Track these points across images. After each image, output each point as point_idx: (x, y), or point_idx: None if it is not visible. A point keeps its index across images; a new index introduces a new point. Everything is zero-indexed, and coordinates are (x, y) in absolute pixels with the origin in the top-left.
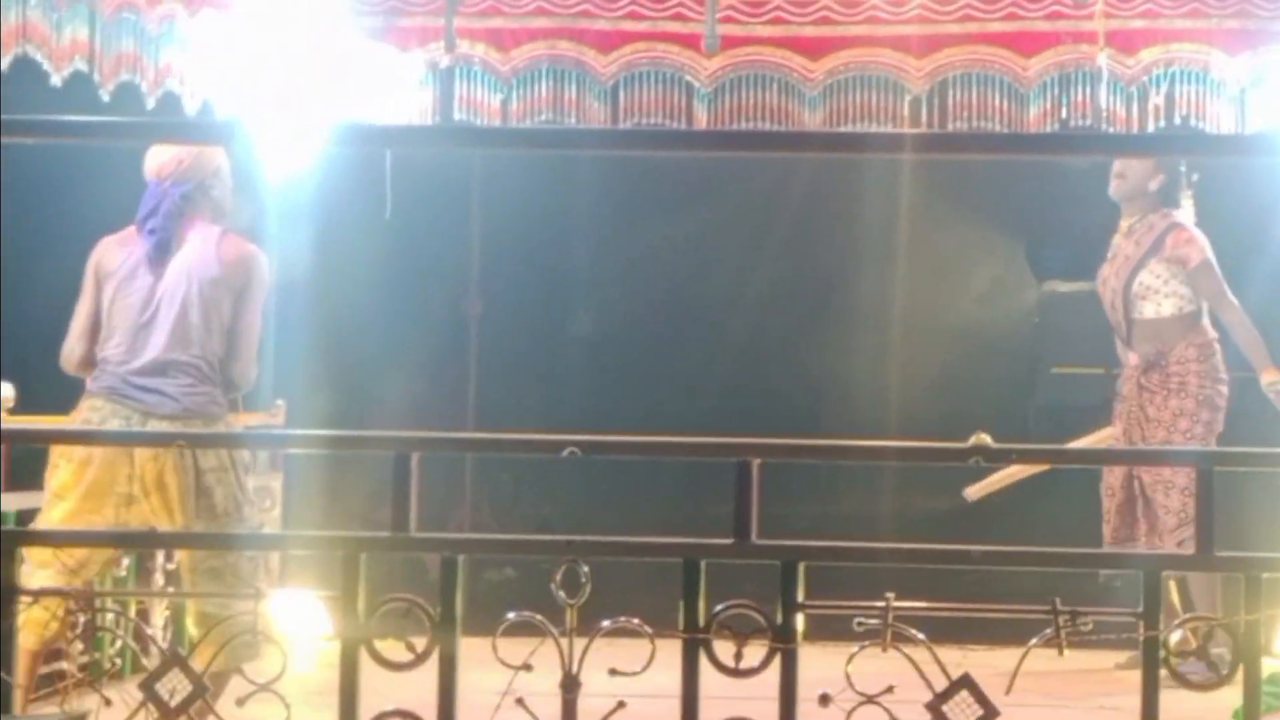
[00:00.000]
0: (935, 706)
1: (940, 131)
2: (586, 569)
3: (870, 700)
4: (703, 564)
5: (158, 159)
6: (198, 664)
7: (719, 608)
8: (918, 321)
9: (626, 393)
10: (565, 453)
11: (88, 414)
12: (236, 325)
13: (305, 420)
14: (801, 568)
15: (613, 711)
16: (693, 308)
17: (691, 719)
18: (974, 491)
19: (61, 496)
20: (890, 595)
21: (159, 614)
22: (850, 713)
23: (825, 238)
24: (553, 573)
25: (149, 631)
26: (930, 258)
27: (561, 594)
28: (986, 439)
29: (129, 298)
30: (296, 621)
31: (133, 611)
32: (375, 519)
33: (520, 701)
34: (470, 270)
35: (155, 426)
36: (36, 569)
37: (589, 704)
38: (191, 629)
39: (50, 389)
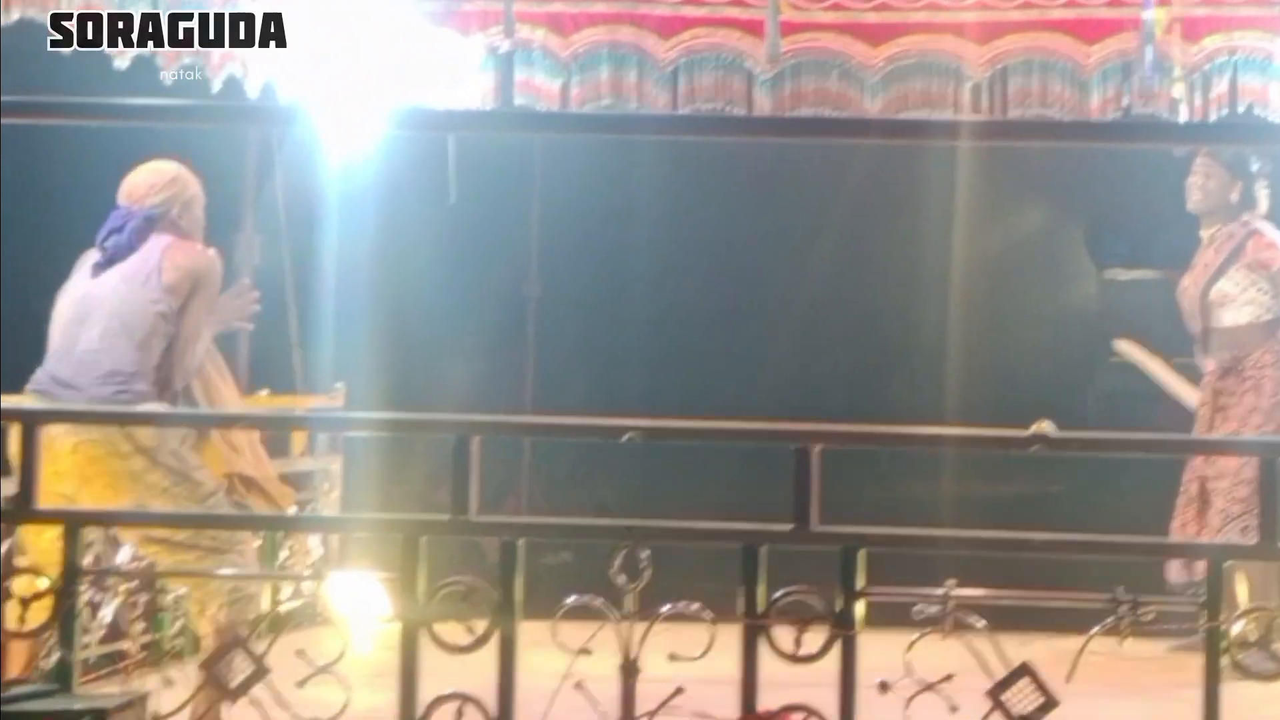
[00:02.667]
0: (995, 694)
1: (1001, 119)
2: (646, 554)
3: (930, 688)
4: (763, 550)
5: (130, 183)
6: (204, 627)
7: (779, 593)
8: (977, 308)
9: (686, 377)
10: (625, 438)
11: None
12: (179, 329)
13: (365, 403)
14: (862, 554)
15: (671, 696)
16: (752, 293)
17: (750, 704)
18: (1125, 349)
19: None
20: (951, 582)
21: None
22: (910, 700)
23: (885, 224)
24: (611, 557)
25: (210, 612)
26: (990, 245)
27: (621, 578)
28: (1049, 426)
29: (67, 299)
30: (356, 604)
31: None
32: (434, 501)
33: (579, 685)
34: (530, 254)
35: (61, 426)
36: None
37: (648, 688)
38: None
39: None
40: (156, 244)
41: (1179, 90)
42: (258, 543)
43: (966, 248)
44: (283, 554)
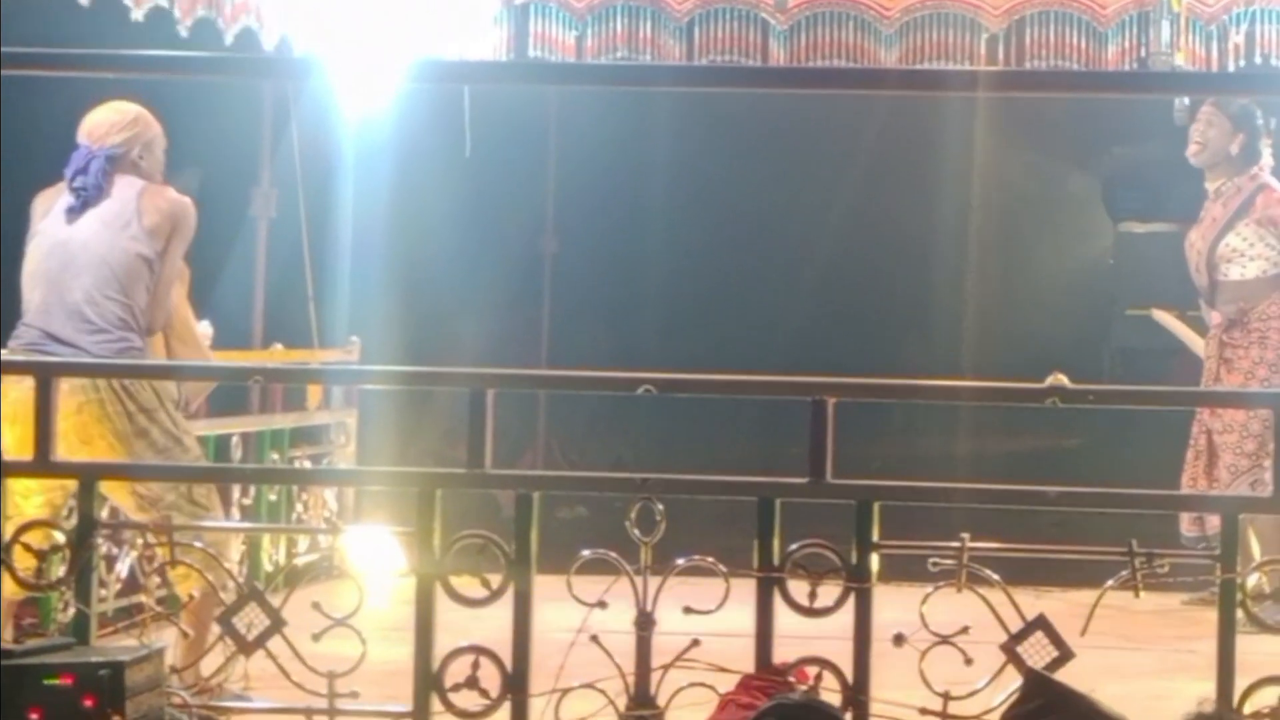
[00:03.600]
0: (1010, 647)
1: (1017, 69)
2: (661, 507)
3: (945, 640)
4: (777, 503)
5: (91, 122)
6: (183, 588)
7: (794, 546)
8: (992, 262)
9: (701, 331)
10: (640, 390)
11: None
12: (159, 273)
13: (380, 357)
14: (876, 507)
15: (687, 649)
16: (768, 246)
17: (765, 657)
18: (1162, 317)
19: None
20: (965, 536)
21: (235, 548)
22: (924, 653)
23: (901, 177)
24: (626, 510)
25: (226, 566)
26: (1005, 197)
27: (636, 532)
28: (1064, 379)
29: (44, 246)
30: (372, 557)
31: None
32: (450, 456)
33: (595, 638)
34: (545, 208)
35: (70, 382)
36: None
37: (663, 641)
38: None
39: None
40: (130, 187)
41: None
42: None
43: (982, 201)
44: (298, 507)
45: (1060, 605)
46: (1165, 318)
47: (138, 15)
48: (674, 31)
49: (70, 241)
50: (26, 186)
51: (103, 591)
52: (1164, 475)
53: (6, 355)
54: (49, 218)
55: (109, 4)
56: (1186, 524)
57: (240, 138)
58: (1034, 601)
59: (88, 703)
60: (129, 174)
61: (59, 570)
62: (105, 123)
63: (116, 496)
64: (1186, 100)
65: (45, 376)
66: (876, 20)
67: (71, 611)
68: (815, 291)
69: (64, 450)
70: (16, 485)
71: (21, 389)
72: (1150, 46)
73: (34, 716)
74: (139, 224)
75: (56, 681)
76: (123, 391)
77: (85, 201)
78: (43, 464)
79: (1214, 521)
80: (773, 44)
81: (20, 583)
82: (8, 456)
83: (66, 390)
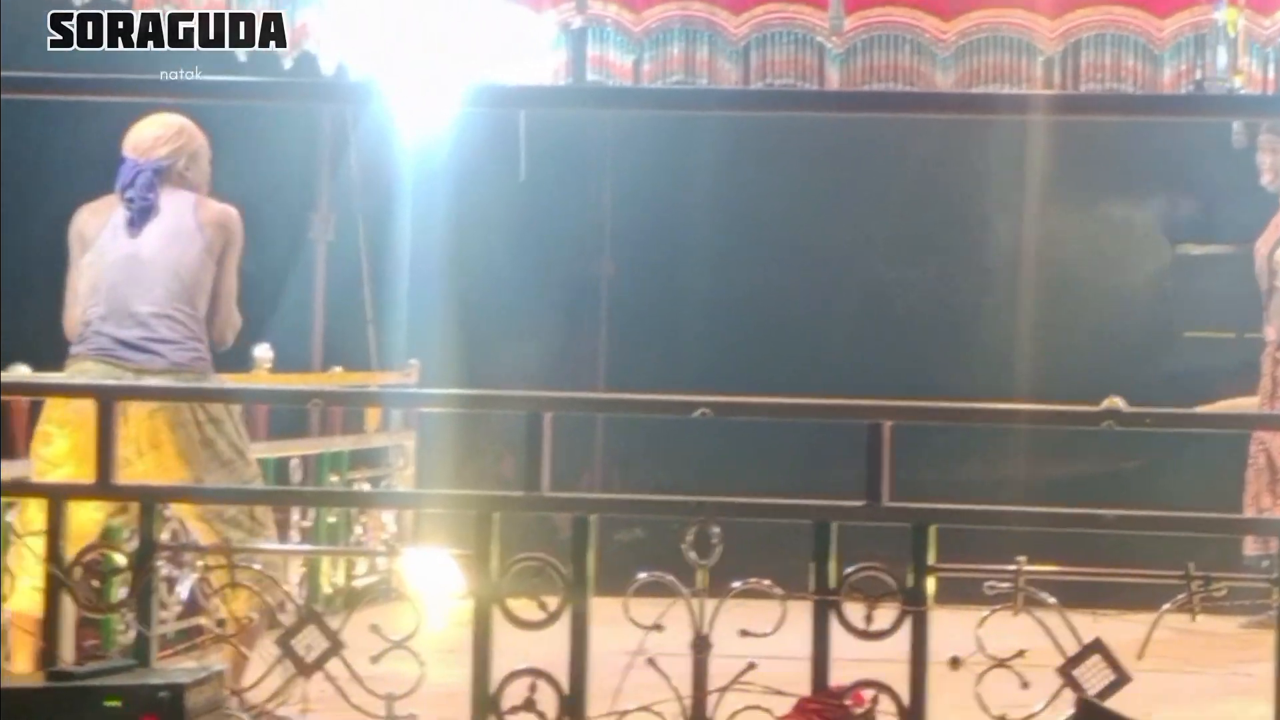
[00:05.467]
0: (1067, 671)
1: (1073, 93)
2: (717, 530)
3: (1001, 664)
4: (834, 526)
5: (137, 136)
6: (234, 608)
7: (850, 570)
8: (1048, 285)
9: (757, 354)
10: (697, 413)
11: (77, 378)
12: (218, 286)
13: (439, 379)
14: (933, 530)
15: (743, 673)
16: (823, 269)
17: (822, 681)
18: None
19: (56, 465)
20: (1022, 559)
21: (295, 570)
22: (981, 676)
23: (956, 199)
24: (683, 533)
25: (285, 588)
26: (1060, 220)
27: (692, 555)
28: (1120, 403)
29: (109, 258)
30: (430, 579)
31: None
32: (507, 478)
33: (651, 661)
34: (602, 231)
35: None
36: (27, 537)
37: (719, 665)
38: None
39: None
40: (184, 201)
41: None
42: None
43: (1037, 223)
44: (357, 530)
45: (1117, 628)
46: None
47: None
48: (730, 55)
49: (137, 255)
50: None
51: (163, 613)
52: (1222, 496)
53: (73, 366)
54: (106, 231)
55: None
56: (1250, 544)
57: (299, 162)
58: (1091, 625)
59: None
60: (177, 186)
61: (120, 592)
62: (150, 136)
63: (177, 504)
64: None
65: (107, 400)
66: (932, 44)
67: (132, 633)
68: (869, 313)
69: (131, 453)
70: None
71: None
72: (1206, 69)
73: None
74: (200, 237)
75: (117, 703)
76: (195, 401)
77: (142, 214)
78: (104, 487)
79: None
80: (829, 67)
81: (82, 605)
82: (68, 469)
83: None
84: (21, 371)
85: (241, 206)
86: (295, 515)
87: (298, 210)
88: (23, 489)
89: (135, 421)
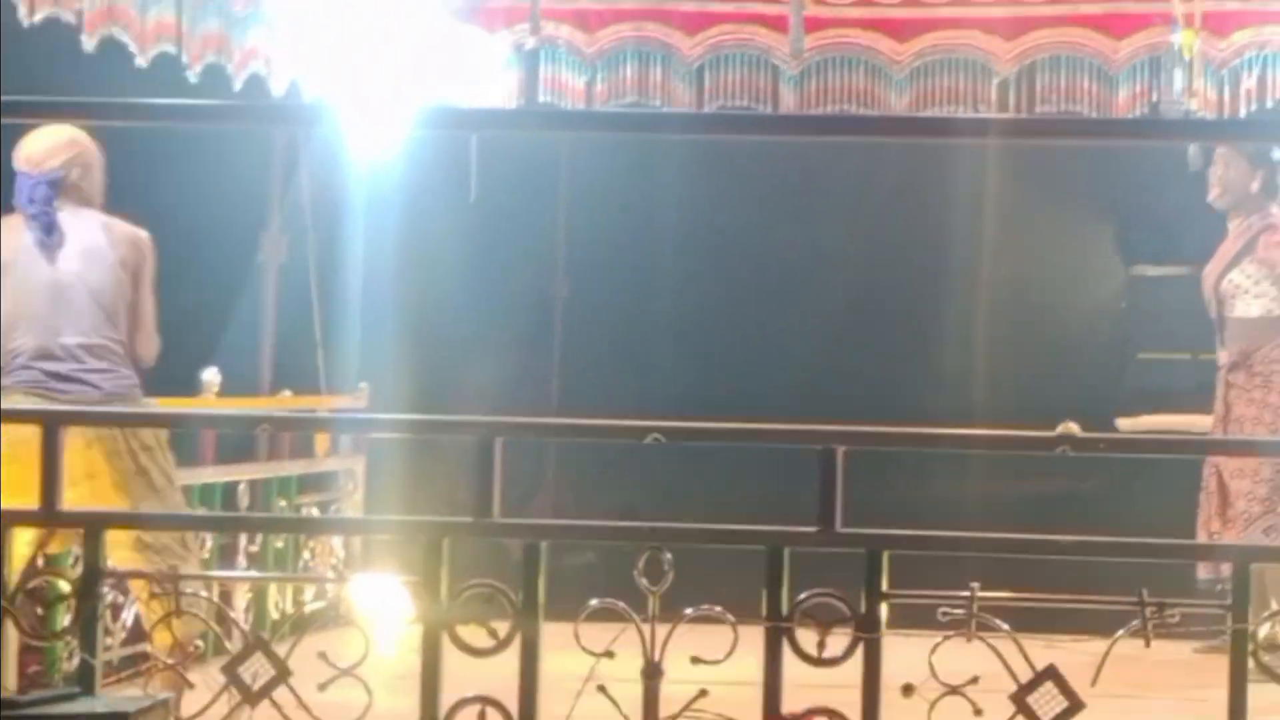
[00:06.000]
0: (1020, 698)
1: (1029, 117)
2: (669, 556)
3: (954, 691)
4: (786, 552)
5: (28, 148)
6: (158, 639)
7: (802, 596)
8: (1004, 305)
9: (712, 376)
10: (649, 439)
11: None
12: (137, 306)
13: (389, 402)
14: (886, 556)
15: (695, 699)
16: (778, 291)
17: (774, 707)
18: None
19: None
20: (975, 585)
21: (241, 596)
22: (934, 703)
23: (911, 221)
24: (635, 558)
25: (231, 614)
26: (1016, 241)
27: (644, 581)
28: (1075, 428)
29: (29, 286)
30: (379, 605)
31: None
32: (457, 502)
33: (602, 688)
34: (556, 253)
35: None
36: None
37: (671, 691)
38: (141, 598)
39: None
40: (91, 220)
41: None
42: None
43: (992, 244)
44: (305, 555)
45: (1072, 655)
46: (1134, 424)
47: (143, 62)
48: (684, 76)
49: (57, 282)
50: None
51: (108, 640)
52: (1179, 519)
53: (3, 399)
54: (21, 254)
55: (114, 50)
56: (1202, 568)
57: (250, 183)
58: (1045, 651)
59: None
60: (73, 199)
61: (64, 619)
62: (43, 149)
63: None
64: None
65: (52, 425)
66: (888, 65)
67: (77, 660)
68: (826, 335)
69: (65, 483)
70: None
71: (18, 430)
72: (1162, 92)
73: None
74: (113, 257)
75: None
76: (124, 430)
77: (48, 230)
78: (49, 514)
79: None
80: (783, 89)
81: (25, 632)
82: (8, 498)
83: (73, 430)
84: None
85: (191, 228)
86: (243, 540)
87: (248, 231)
88: None
89: (71, 452)
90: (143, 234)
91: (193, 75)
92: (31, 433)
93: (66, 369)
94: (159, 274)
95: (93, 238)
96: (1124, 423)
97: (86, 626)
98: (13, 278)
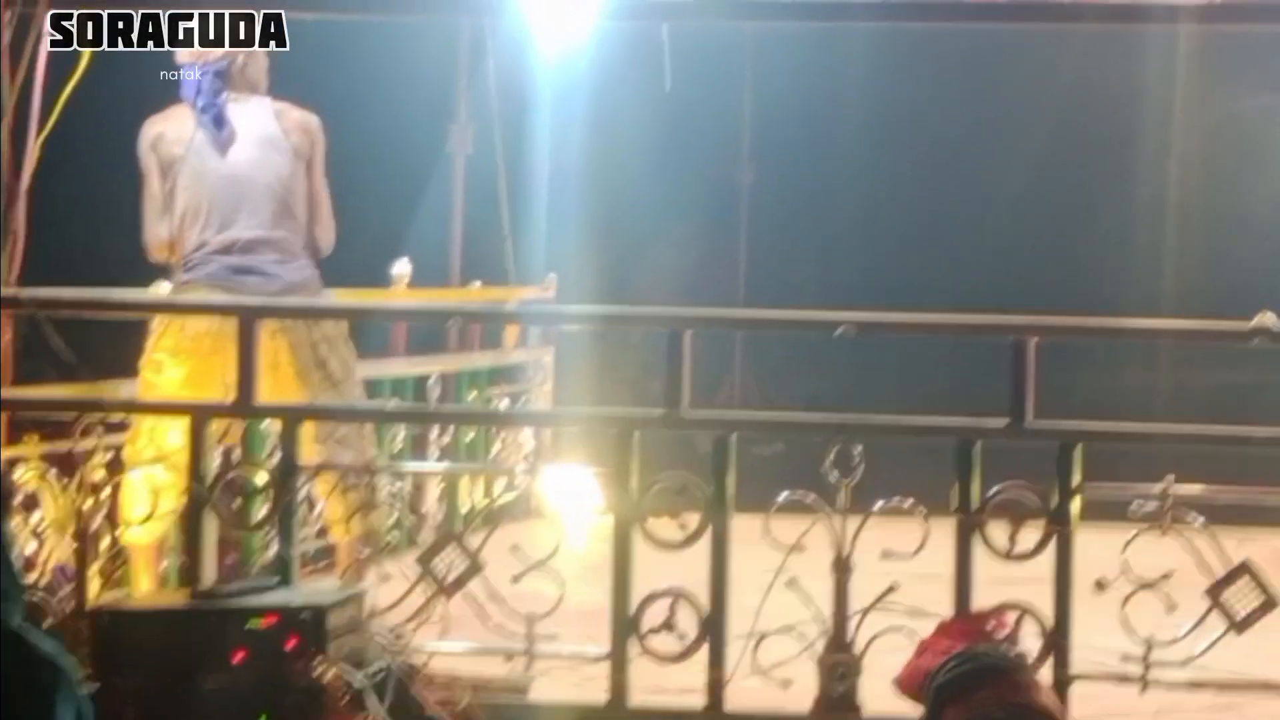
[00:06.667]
0: (1214, 593)
1: (1223, 3)
2: (859, 448)
3: (1147, 586)
4: (977, 445)
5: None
6: (342, 534)
7: (993, 489)
8: (1195, 196)
9: (897, 265)
10: (838, 332)
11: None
12: (312, 193)
13: (577, 292)
14: (1078, 450)
15: (885, 594)
16: (966, 178)
17: (965, 602)
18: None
19: (168, 393)
20: (1169, 478)
21: (433, 489)
22: (1127, 599)
23: (1101, 110)
24: (825, 451)
25: (424, 507)
26: (1208, 130)
27: (834, 474)
28: (1271, 318)
29: (207, 181)
30: (569, 497)
31: (409, 486)
32: (647, 392)
33: (792, 582)
34: (741, 143)
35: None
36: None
37: (861, 584)
38: (321, 494)
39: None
40: (261, 108)
41: None
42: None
43: (1185, 134)
44: (496, 447)
45: (1267, 549)
46: None
47: None
48: None
49: (233, 176)
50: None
51: (303, 531)
52: None
53: (185, 293)
54: (191, 149)
55: None
56: None
57: (436, 74)
58: (1239, 545)
59: (290, 644)
60: (239, 87)
61: (261, 510)
62: None
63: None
64: None
65: (248, 319)
66: None
67: (272, 550)
68: (1013, 225)
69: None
70: (160, 420)
71: (199, 324)
72: None
73: (238, 657)
74: (287, 145)
75: (260, 623)
76: (311, 321)
77: (217, 122)
78: (245, 407)
79: None
80: None
81: (226, 522)
82: (193, 391)
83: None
84: (164, 288)
85: (379, 120)
86: (434, 433)
87: (435, 123)
88: (164, 408)
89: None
90: (313, 119)
91: None
92: (211, 325)
93: (246, 262)
94: (347, 166)
95: (264, 127)
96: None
97: (283, 518)
98: (186, 173)
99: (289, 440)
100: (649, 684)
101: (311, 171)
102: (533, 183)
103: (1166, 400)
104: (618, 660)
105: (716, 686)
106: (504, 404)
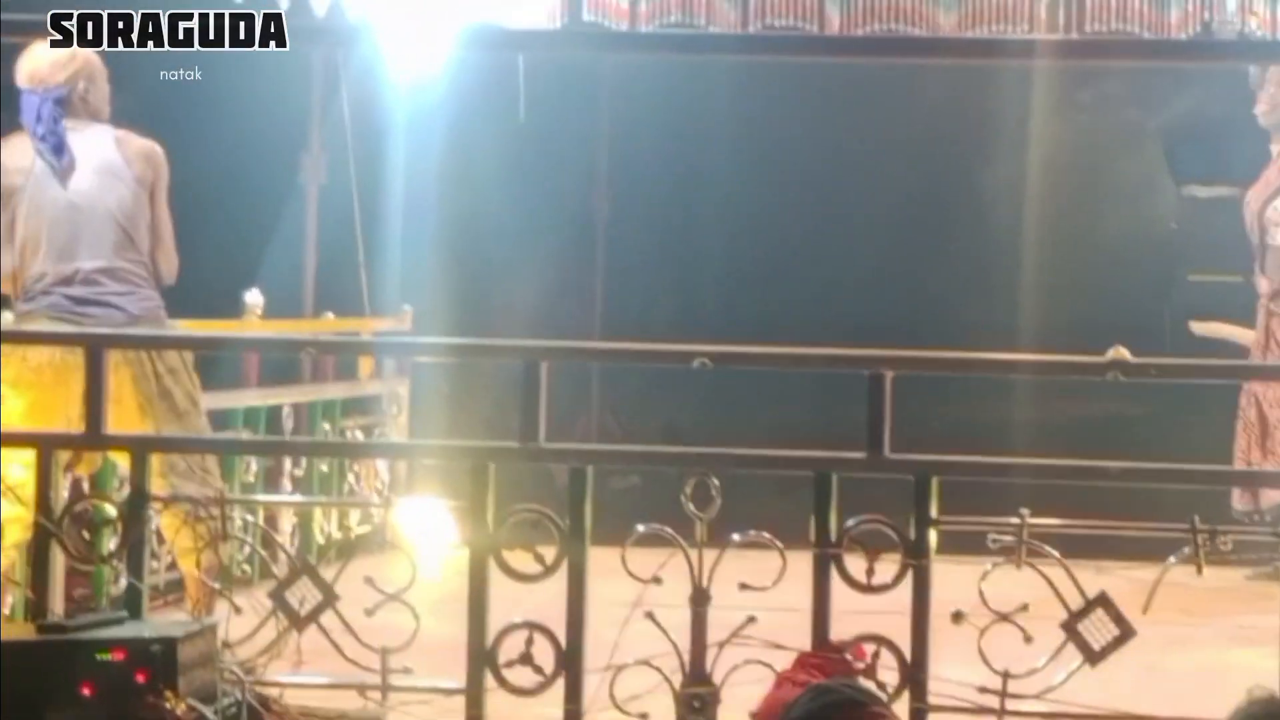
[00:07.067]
0: (1071, 625)
1: (1080, 38)
2: (717, 482)
3: (1004, 618)
4: (835, 477)
5: (32, 65)
6: (185, 561)
7: (851, 522)
8: (1052, 226)
9: (755, 297)
10: (696, 364)
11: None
12: (155, 223)
13: (433, 323)
14: (935, 482)
15: (743, 626)
16: (824, 212)
17: (823, 634)
18: (1201, 329)
19: (10, 425)
20: (1025, 512)
21: (287, 521)
22: (984, 631)
23: (959, 141)
24: (682, 483)
25: (277, 539)
26: (1065, 161)
27: (692, 506)
28: (1125, 353)
29: (44, 209)
30: (425, 530)
31: (261, 518)
32: (503, 425)
33: (650, 615)
34: (599, 173)
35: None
36: None
37: (719, 618)
38: (166, 527)
39: None
40: (102, 135)
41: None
42: None
43: (1041, 165)
44: (350, 479)
45: (1122, 581)
46: (1206, 328)
47: None
48: None
49: (74, 204)
50: None
51: (153, 564)
52: (1227, 446)
53: (26, 324)
54: (32, 179)
55: None
56: (1237, 497)
57: (290, 103)
58: (1095, 578)
59: (140, 678)
60: (82, 115)
61: (110, 543)
62: (46, 63)
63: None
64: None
65: (97, 347)
66: None
67: (123, 583)
68: (872, 256)
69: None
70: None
71: (41, 356)
72: (1215, 10)
73: (86, 691)
74: (129, 174)
75: (109, 656)
76: (149, 353)
77: (57, 151)
78: (95, 437)
79: (1268, 495)
80: (829, 7)
81: (73, 555)
82: (36, 425)
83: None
84: (6, 318)
85: (231, 149)
86: (288, 464)
87: (289, 152)
88: (12, 439)
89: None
90: (156, 147)
91: None
92: (53, 357)
93: (89, 293)
94: (199, 195)
95: (106, 155)
96: (1197, 326)
97: (132, 550)
98: (25, 203)
99: (138, 471)
100: (506, 717)
101: (154, 201)
102: (388, 213)
103: (1025, 434)
104: (474, 694)
105: (574, 719)
106: (358, 435)
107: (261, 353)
